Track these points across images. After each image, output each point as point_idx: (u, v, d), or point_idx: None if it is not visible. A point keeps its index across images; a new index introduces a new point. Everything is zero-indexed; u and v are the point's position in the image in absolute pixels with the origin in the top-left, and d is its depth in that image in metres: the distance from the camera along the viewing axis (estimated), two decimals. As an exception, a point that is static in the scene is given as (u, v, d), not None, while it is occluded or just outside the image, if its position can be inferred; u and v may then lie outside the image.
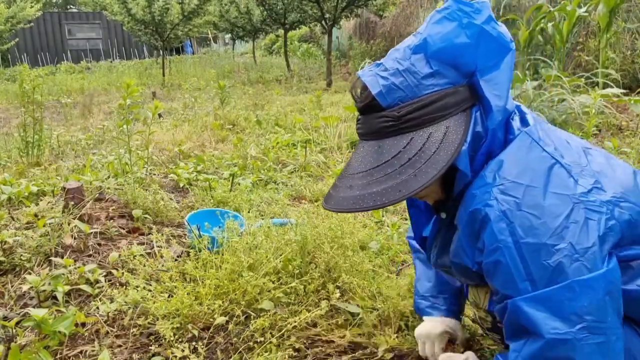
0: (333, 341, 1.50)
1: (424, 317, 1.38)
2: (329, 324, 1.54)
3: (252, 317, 1.56)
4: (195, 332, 1.50)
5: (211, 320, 1.53)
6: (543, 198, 0.88)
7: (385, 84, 0.94)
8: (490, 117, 0.95)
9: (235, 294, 1.61)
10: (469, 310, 1.50)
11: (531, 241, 0.86)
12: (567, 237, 0.85)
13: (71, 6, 31.38)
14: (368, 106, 0.96)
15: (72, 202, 2.26)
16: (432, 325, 1.33)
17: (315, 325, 1.55)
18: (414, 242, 1.41)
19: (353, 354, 1.45)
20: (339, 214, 1.69)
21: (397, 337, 1.48)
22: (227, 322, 1.54)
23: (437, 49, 0.93)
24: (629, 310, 0.96)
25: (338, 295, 1.57)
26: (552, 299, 0.85)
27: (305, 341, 1.50)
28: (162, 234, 2.02)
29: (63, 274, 1.77)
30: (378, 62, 1.00)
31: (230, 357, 1.43)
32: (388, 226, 2.29)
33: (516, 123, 1.00)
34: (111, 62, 17.15)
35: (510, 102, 0.99)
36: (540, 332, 0.86)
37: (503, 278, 0.89)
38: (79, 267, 1.82)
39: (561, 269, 0.85)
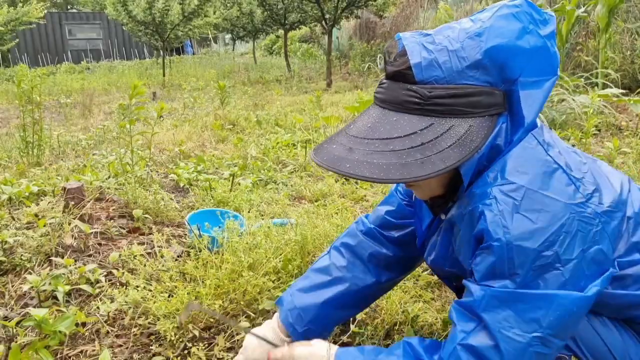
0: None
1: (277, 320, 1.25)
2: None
3: (252, 316, 1.57)
4: (196, 332, 1.51)
5: (211, 320, 1.54)
6: (541, 203, 0.86)
7: (428, 58, 0.88)
8: (518, 131, 0.91)
9: (235, 294, 1.61)
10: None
11: (523, 245, 0.84)
12: (555, 246, 0.84)
13: (71, 6, 31.40)
14: (399, 73, 0.90)
15: (73, 202, 2.27)
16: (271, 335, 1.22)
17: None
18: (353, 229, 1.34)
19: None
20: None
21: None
22: (227, 321, 1.54)
23: (495, 43, 0.87)
24: (628, 314, 0.97)
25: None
26: (523, 301, 0.85)
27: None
28: (163, 234, 2.02)
29: (63, 274, 1.78)
30: (426, 31, 0.92)
31: (231, 357, 1.43)
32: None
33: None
34: (111, 62, 17.15)
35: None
36: (493, 331, 0.86)
37: (487, 272, 0.89)
38: (79, 267, 1.82)
39: (542, 276, 0.85)
